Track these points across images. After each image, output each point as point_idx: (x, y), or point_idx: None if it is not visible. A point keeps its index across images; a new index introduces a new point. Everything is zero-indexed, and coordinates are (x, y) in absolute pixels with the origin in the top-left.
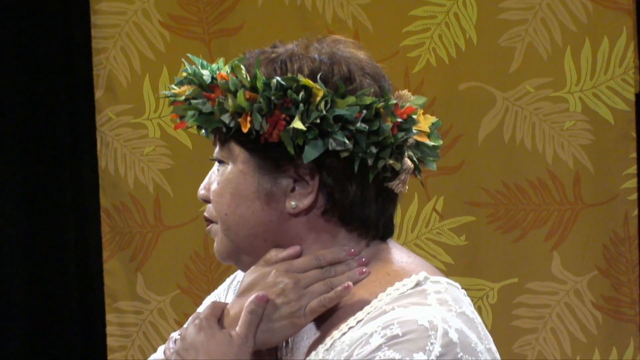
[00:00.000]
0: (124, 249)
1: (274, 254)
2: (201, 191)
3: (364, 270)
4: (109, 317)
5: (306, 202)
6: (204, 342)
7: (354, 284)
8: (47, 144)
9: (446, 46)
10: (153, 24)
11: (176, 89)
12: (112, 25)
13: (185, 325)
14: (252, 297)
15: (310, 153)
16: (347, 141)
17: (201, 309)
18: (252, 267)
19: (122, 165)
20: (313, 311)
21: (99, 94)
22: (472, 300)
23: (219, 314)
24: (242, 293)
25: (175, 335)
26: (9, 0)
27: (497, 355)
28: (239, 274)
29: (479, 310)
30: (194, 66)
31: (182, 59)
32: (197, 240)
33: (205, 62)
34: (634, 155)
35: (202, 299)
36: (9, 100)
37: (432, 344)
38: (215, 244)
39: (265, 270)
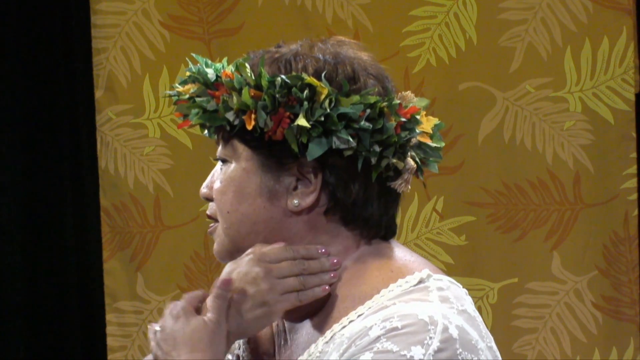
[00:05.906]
0: (124, 249)
1: (257, 249)
2: (203, 189)
3: (332, 275)
4: (109, 317)
5: (308, 200)
6: (181, 329)
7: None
8: (47, 144)
9: (446, 46)
10: (153, 24)
11: (180, 88)
12: (112, 25)
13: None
14: (217, 282)
15: (314, 150)
16: (350, 139)
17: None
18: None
19: (122, 165)
20: (289, 303)
21: (99, 94)
22: (472, 300)
23: (195, 303)
24: None
25: (155, 326)
26: (9, 0)
27: (498, 354)
28: None
29: (479, 310)
30: (198, 65)
31: (187, 58)
32: (197, 240)
33: (209, 61)
34: (634, 155)
35: None
36: (10, 100)
37: (430, 338)
38: (215, 245)
39: (241, 261)
